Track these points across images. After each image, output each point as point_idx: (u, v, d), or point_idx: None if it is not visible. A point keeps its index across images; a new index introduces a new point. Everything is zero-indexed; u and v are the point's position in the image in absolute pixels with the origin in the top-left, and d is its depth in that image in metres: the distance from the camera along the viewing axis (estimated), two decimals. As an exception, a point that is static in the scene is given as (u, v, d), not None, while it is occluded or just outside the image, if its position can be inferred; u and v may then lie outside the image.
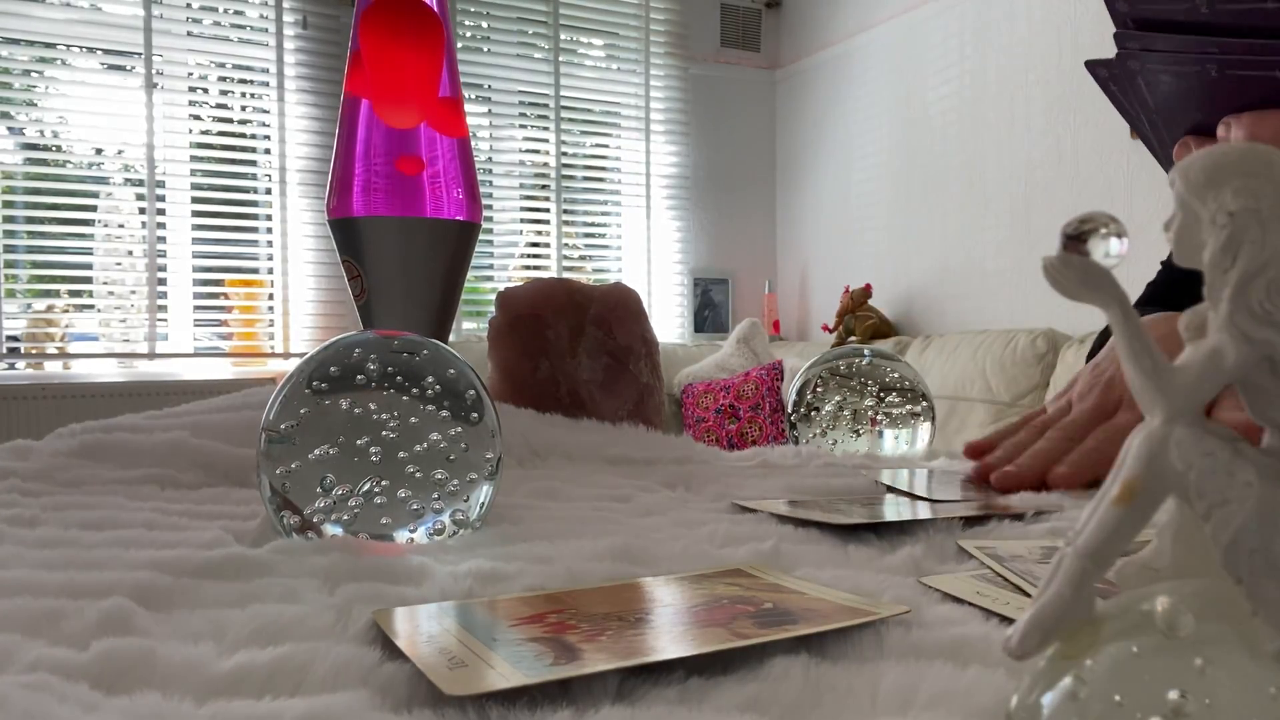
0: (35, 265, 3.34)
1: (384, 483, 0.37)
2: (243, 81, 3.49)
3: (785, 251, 4.26)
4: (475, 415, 0.39)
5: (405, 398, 0.38)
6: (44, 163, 3.33)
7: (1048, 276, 0.17)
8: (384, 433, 0.37)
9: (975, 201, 3.29)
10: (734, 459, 0.66)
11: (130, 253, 3.35)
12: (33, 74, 3.28)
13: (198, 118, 3.46)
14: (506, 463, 0.59)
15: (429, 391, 0.39)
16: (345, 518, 0.37)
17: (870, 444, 0.69)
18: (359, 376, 0.39)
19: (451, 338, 0.84)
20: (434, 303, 0.78)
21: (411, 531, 0.38)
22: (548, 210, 3.95)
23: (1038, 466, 0.51)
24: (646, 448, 0.64)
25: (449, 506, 0.38)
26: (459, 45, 3.69)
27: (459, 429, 0.39)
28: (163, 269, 3.37)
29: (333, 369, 0.39)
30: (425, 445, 0.38)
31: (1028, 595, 0.32)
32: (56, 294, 3.36)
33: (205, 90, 3.47)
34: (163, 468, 0.51)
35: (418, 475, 0.37)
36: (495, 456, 0.40)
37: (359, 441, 0.37)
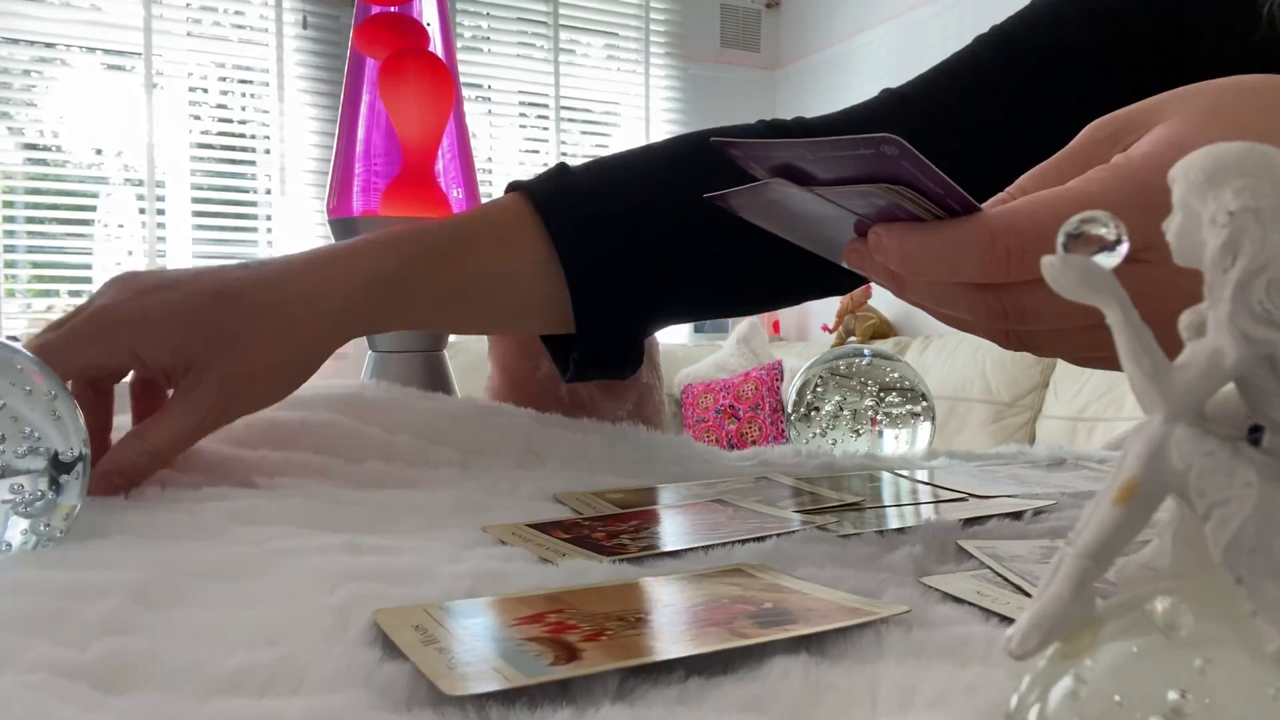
0: (35, 265, 3.34)
1: None
2: (243, 81, 3.49)
3: (785, 251, 4.26)
4: None
5: None
6: (44, 163, 3.33)
7: (1048, 276, 0.17)
8: None
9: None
10: (734, 459, 0.66)
11: (130, 253, 3.35)
12: (33, 74, 3.28)
13: (198, 118, 3.46)
14: (506, 463, 0.59)
15: None
16: None
17: (870, 444, 0.69)
18: None
19: (451, 338, 0.84)
20: (434, 303, 0.78)
21: None
22: (548, 210, 3.95)
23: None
24: (646, 448, 0.64)
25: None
26: (459, 45, 3.69)
27: None
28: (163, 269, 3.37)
29: None
30: None
31: (1028, 595, 0.32)
32: (56, 294, 3.36)
33: (205, 90, 3.47)
34: (163, 468, 0.51)
35: None
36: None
37: None
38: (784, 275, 0.63)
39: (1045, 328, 0.36)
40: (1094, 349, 0.37)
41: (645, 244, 0.59)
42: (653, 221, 0.59)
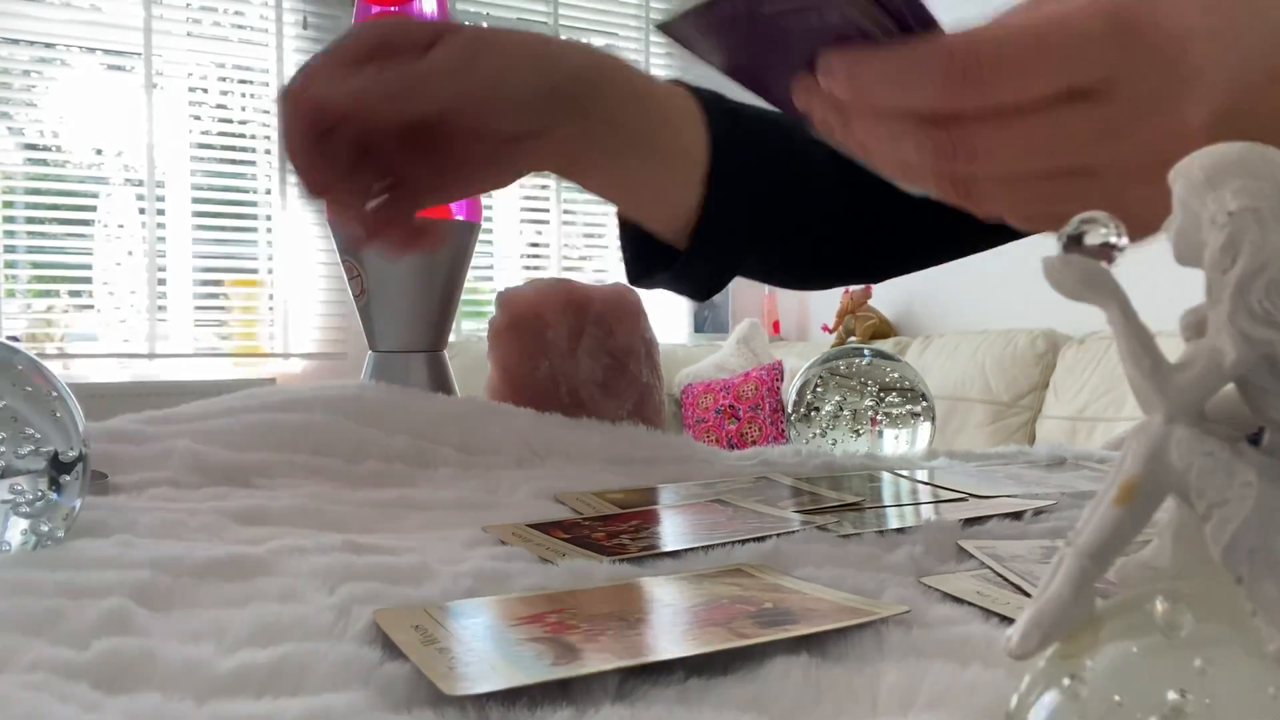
0: (35, 265, 3.34)
1: None
2: (243, 81, 3.49)
3: (785, 251, 4.25)
4: None
5: None
6: (44, 163, 3.33)
7: (1047, 276, 0.17)
8: None
9: (975, 201, 3.28)
10: (734, 459, 0.66)
11: (130, 253, 3.35)
12: (33, 74, 3.28)
13: (198, 118, 3.45)
14: (506, 463, 0.59)
15: None
16: None
17: (870, 444, 0.69)
18: None
19: (451, 338, 0.84)
20: (434, 302, 0.78)
21: None
22: (547, 210, 3.95)
23: None
24: (646, 448, 0.64)
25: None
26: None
27: None
28: (162, 269, 3.37)
29: None
30: None
31: (1028, 595, 0.32)
32: (56, 294, 3.36)
33: (205, 90, 3.47)
34: (162, 469, 0.51)
35: None
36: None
37: None
38: (885, 242, 0.64)
39: (995, 172, 0.35)
40: (1043, 203, 0.35)
41: (778, 163, 0.62)
42: (787, 148, 0.62)
